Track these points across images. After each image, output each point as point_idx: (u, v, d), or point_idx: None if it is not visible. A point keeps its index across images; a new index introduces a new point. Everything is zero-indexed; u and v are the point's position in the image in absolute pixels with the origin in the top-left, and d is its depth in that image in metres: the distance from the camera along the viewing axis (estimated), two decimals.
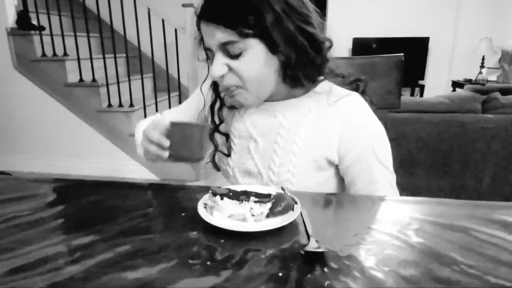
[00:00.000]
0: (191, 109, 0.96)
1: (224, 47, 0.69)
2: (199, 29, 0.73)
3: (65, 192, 0.71)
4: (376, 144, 0.77)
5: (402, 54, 1.06)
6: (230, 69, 0.70)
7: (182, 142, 0.68)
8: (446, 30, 5.07)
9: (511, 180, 1.84)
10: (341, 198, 0.74)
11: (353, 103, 0.78)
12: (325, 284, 0.43)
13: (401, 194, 0.79)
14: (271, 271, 0.46)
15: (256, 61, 0.70)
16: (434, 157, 1.82)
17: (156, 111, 2.90)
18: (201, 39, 0.74)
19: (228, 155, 0.84)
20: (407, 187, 1.74)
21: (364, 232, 0.56)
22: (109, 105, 2.91)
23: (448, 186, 1.87)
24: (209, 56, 0.75)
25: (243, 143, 0.82)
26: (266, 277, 0.45)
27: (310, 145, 0.76)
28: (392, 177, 0.79)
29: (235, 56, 0.69)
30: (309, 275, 0.45)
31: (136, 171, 3.01)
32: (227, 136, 0.84)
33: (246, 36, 0.67)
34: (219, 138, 0.86)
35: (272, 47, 0.69)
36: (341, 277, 0.45)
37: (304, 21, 0.69)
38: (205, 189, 0.68)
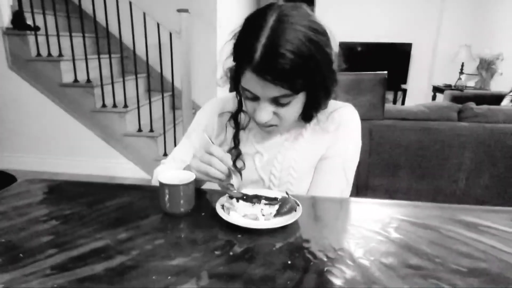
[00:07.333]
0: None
1: (275, 99, 0.76)
2: (239, 69, 0.76)
3: (98, 194, 0.81)
4: (348, 157, 0.90)
5: (386, 72, 1.20)
6: (275, 113, 0.79)
7: (169, 200, 0.71)
8: (428, 37, 5.28)
9: (482, 183, 2.02)
10: (335, 202, 0.87)
11: (346, 114, 0.91)
12: (325, 269, 0.56)
13: (384, 195, 0.93)
14: (282, 259, 0.58)
15: (298, 108, 0.81)
16: (414, 161, 1.98)
17: (150, 111, 2.99)
18: (234, 76, 0.79)
19: (240, 170, 0.92)
20: (389, 188, 1.89)
21: (354, 229, 0.69)
22: (103, 105, 2.99)
23: (427, 188, 2.03)
24: (248, 96, 0.79)
25: (249, 158, 0.92)
26: (278, 264, 0.57)
27: (309, 149, 0.90)
28: (347, 188, 0.91)
29: (282, 105, 0.77)
30: (311, 263, 0.57)
31: (128, 170, 3.09)
32: (239, 153, 0.92)
33: (298, 92, 0.75)
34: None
35: (312, 96, 0.80)
36: (336, 264, 0.57)
37: (332, 67, 0.79)
38: (217, 193, 0.80)
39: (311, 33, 0.71)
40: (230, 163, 0.74)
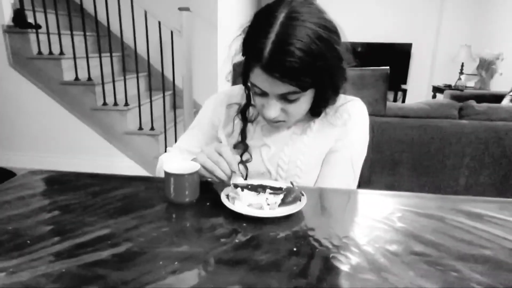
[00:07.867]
0: (206, 132, 0.98)
1: (283, 96, 0.76)
2: (247, 65, 0.76)
3: (102, 185, 0.81)
4: (356, 151, 0.91)
5: (388, 67, 1.20)
6: (283, 109, 0.79)
7: (174, 189, 0.72)
8: (428, 37, 5.30)
9: (483, 180, 2.02)
10: (340, 193, 0.87)
11: (355, 108, 0.91)
12: (330, 256, 0.56)
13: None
14: (287, 246, 0.58)
15: (306, 104, 0.81)
16: (415, 158, 1.98)
17: (151, 109, 2.99)
18: (243, 71, 0.78)
19: (245, 162, 0.92)
20: (390, 184, 1.89)
21: (358, 219, 0.69)
22: (104, 103, 2.99)
23: (427, 185, 2.03)
24: (256, 92, 0.79)
25: (256, 150, 0.92)
26: (284, 251, 0.57)
27: (316, 142, 0.89)
28: (354, 181, 0.91)
29: (290, 101, 0.77)
30: (317, 249, 0.58)
31: (129, 168, 3.09)
32: (246, 147, 0.92)
33: (306, 89, 0.75)
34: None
35: (320, 92, 0.79)
36: (342, 251, 0.58)
37: (341, 64, 0.77)
38: (222, 183, 0.81)
39: (321, 31, 0.70)
40: (237, 168, 0.74)
